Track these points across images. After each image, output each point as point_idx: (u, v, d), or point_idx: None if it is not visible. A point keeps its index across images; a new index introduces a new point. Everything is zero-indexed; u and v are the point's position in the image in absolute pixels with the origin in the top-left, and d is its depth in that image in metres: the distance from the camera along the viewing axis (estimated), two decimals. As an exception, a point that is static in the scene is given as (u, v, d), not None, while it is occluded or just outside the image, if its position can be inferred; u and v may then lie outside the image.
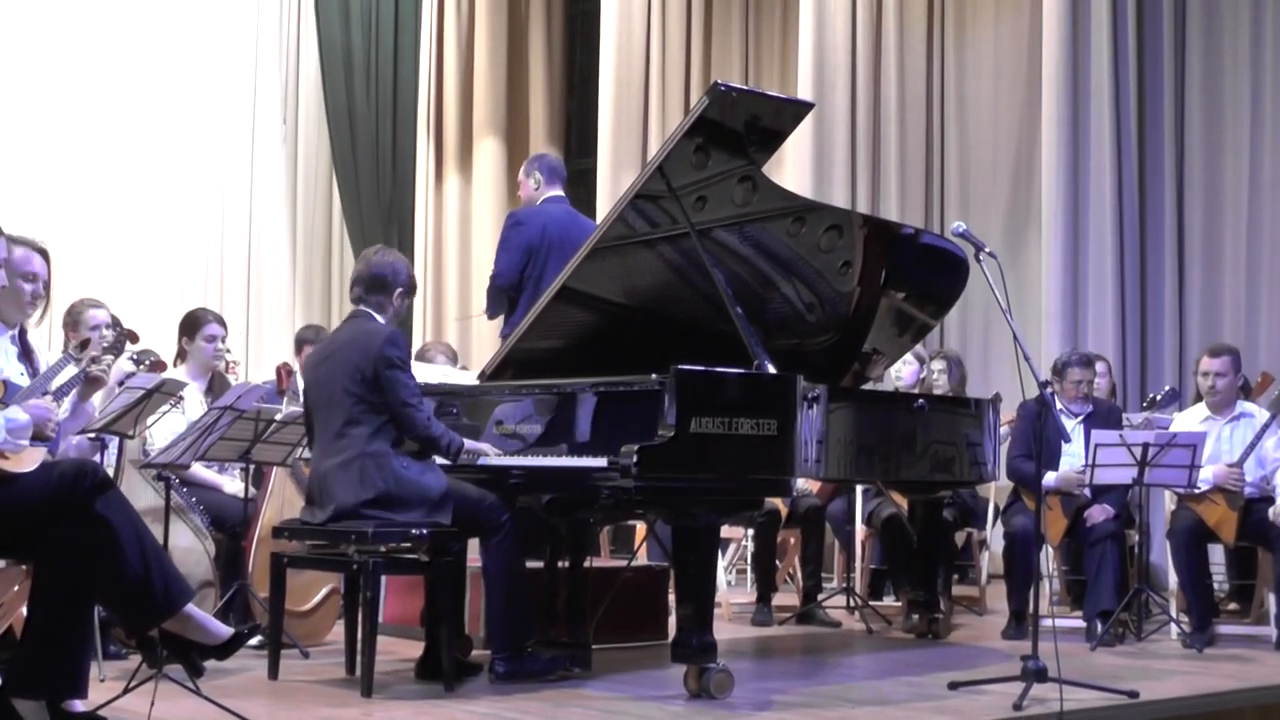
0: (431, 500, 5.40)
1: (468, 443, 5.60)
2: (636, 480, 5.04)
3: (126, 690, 4.59)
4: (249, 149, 13.54)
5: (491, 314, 7.85)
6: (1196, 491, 7.21)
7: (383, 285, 5.66)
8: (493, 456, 5.67)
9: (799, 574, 8.23)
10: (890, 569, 8.61)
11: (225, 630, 4.52)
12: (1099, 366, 8.40)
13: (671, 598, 5.76)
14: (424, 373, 6.31)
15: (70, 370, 4.85)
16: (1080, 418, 7.61)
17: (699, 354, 5.43)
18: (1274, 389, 7.78)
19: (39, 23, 12.35)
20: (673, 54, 12.82)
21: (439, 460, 5.61)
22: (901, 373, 8.35)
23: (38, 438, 4.49)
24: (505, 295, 7.55)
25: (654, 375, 5.26)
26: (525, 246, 7.44)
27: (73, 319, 6.40)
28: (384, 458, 5.40)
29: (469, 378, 6.84)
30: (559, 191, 7.74)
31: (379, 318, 5.63)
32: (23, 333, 4.92)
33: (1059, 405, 7.46)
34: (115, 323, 6.03)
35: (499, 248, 7.56)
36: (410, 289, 5.76)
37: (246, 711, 4.59)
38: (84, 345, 4.94)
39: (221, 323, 6.91)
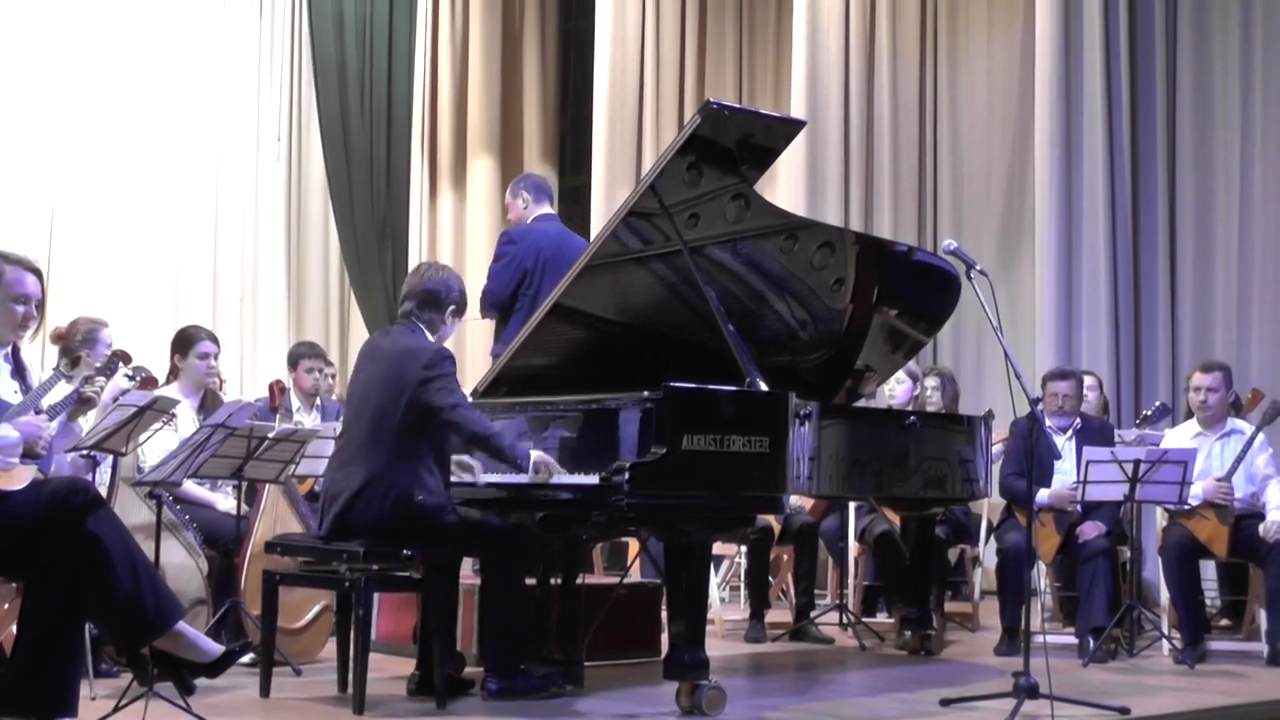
0: (435, 535, 5.39)
1: (534, 454, 5.45)
2: (629, 497, 5.04)
3: (117, 708, 4.59)
4: (243, 165, 13.58)
5: (484, 315, 7.86)
6: (1187, 508, 7.22)
7: (436, 302, 5.65)
8: (558, 473, 5.45)
9: (792, 591, 8.23)
10: (883, 586, 8.61)
11: (216, 648, 4.52)
12: (1088, 381, 8.41)
13: (664, 615, 5.76)
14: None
15: (62, 387, 4.84)
16: (1067, 433, 7.63)
17: (692, 371, 5.44)
18: (1264, 405, 7.79)
19: (34, 34, 12.38)
20: (667, 71, 12.84)
21: (506, 477, 5.57)
22: (895, 391, 8.35)
23: (28, 455, 4.49)
24: (495, 310, 7.57)
25: (646, 392, 5.27)
26: (519, 265, 7.45)
27: (85, 338, 6.35)
28: (395, 488, 5.38)
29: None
30: (549, 209, 7.75)
31: (429, 335, 5.61)
32: (15, 350, 4.92)
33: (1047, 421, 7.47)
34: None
35: (494, 265, 7.57)
36: (462, 307, 5.72)
37: (238, 729, 4.59)
38: (75, 363, 4.93)
39: (214, 340, 6.90)
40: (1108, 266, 9.80)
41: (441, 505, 5.44)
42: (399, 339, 5.61)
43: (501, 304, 7.49)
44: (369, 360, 5.65)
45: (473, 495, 5.73)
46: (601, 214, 12.28)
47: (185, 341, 6.83)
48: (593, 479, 5.26)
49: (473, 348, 12.76)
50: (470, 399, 6.31)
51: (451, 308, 5.67)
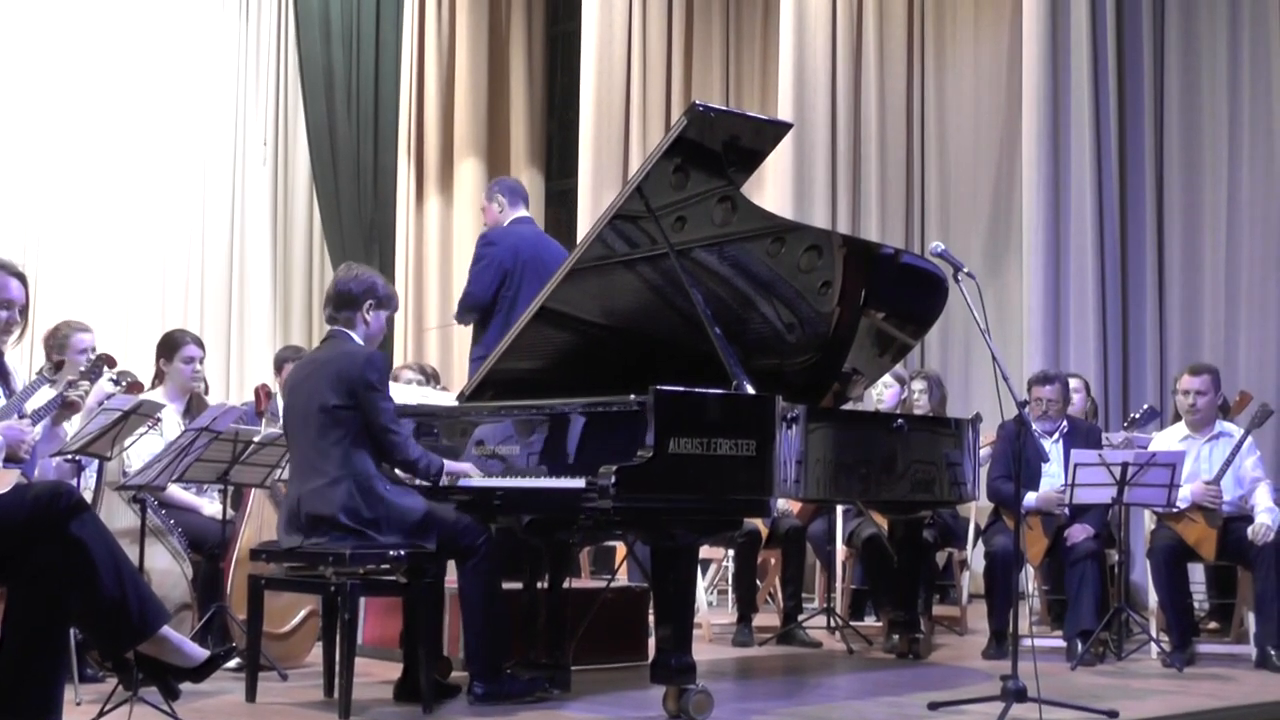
0: (414, 523, 5.39)
1: (448, 464, 5.60)
2: (615, 501, 5.03)
3: (102, 713, 4.58)
4: (229, 169, 13.55)
5: (463, 321, 7.86)
6: (1175, 510, 7.22)
7: (350, 301, 5.66)
8: (475, 477, 5.65)
9: (780, 594, 8.22)
10: (871, 589, 8.60)
11: (201, 652, 4.50)
12: (1074, 383, 8.41)
13: (651, 618, 5.75)
14: (400, 393, 6.29)
15: (45, 392, 4.82)
16: (1054, 436, 7.62)
17: (679, 374, 5.43)
18: (1252, 408, 7.79)
19: (20, 40, 12.35)
20: (653, 74, 12.84)
21: (419, 482, 5.62)
22: (883, 395, 8.35)
23: (11, 459, 4.46)
24: (475, 313, 7.56)
25: (633, 396, 5.26)
26: (498, 266, 7.45)
27: (59, 341, 6.36)
28: (366, 479, 5.39)
29: (448, 398, 6.83)
30: (524, 212, 7.76)
31: (354, 335, 5.63)
32: (-1, 355, 4.89)
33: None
34: (92, 348, 6.03)
35: (474, 268, 7.56)
36: (383, 302, 5.70)
37: (223, 734, 4.57)
38: (58, 367, 4.91)
39: (200, 344, 6.89)
40: (1095, 269, 9.81)
41: (405, 491, 5.49)
42: (332, 347, 5.64)
43: (482, 306, 7.49)
44: (305, 375, 5.66)
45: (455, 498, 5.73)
46: (588, 217, 12.27)
47: (170, 345, 6.82)
48: (579, 482, 5.24)
49: (460, 352, 12.75)
50: (457, 403, 6.33)
51: (369, 302, 5.65)
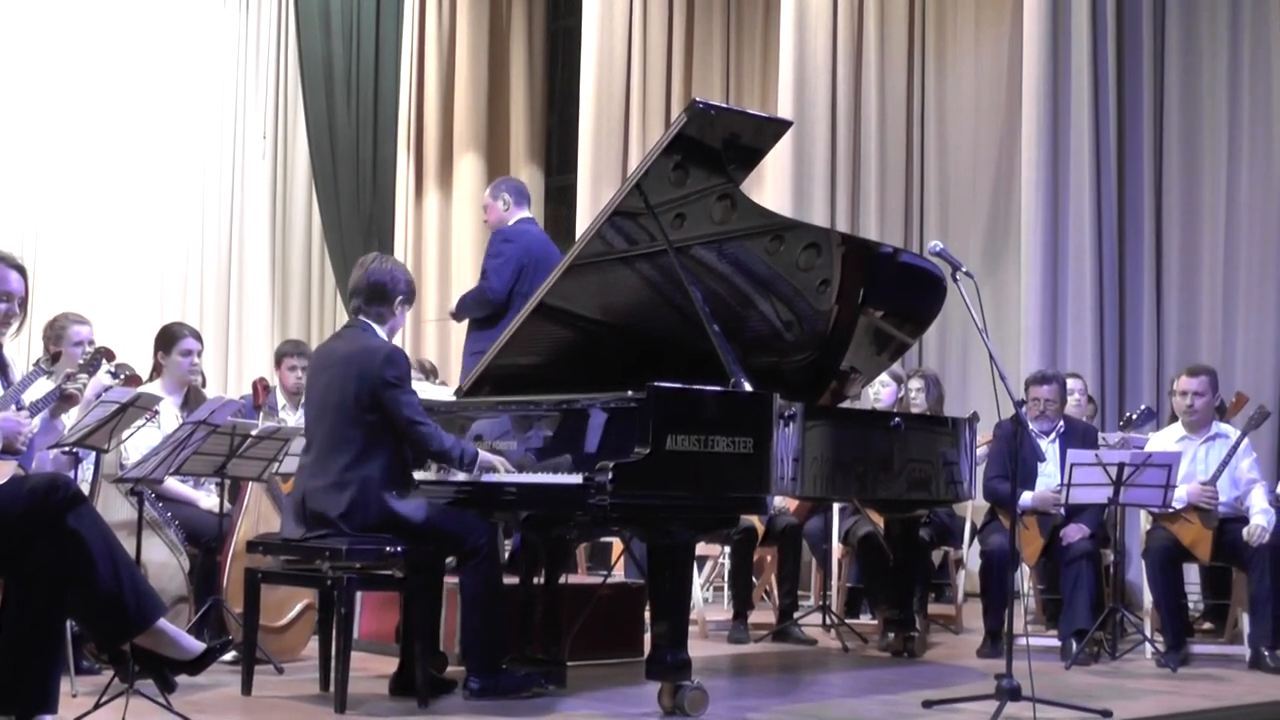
0: (415, 531, 5.38)
1: (481, 454, 5.56)
2: (612, 497, 5.03)
3: (98, 705, 4.57)
4: (229, 162, 13.56)
5: (461, 318, 7.87)
6: (1171, 511, 7.22)
7: (383, 295, 5.63)
8: (503, 472, 5.58)
9: (776, 591, 8.23)
10: (867, 587, 8.61)
11: (197, 645, 4.50)
12: (1073, 384, 8.41)
13: (647, 615, 5.75)
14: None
15: (43, 383, 4.82)
16: (1051, 436, 7.62)
17: (677, 371, 5.43)
18: (1248, 409, 7.80)
19: (21, 33, 12.35)
20: (653, 71, 12.84)
21: (458, 475, 5.62)
22: (880, 394, 8.35)
23: (7, 451, 4.47)
24: (491, 309, 7.58)
25: (630, 392, 5.26)
26: (517, 262, 7.50)
27: (55, 333, 6.36)
28: (370, 485, 5.38)
29: (446, 393, 6.83)
30: (528, 213, 7.80)
31: (379, 329, 5.61)
32: (-3, 346, 4.90)
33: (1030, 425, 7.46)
34: (89, 340, 6.03)
35: (493, 263, 7.60)
36: (409, 297, 5.70)
37: (219, 727, 4.57)
38: (55, 358, 4.91)
39: (197, 337, 6.88)
40: (1093, 269, 9.81)
41: (411, 501, 5.47)
42: (353, 340, 5.61)
43: (500, 302, 7.53)
44: (324, 365, 5.64)
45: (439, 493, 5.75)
46: (587, 213, 12.27)
47: (168, 338, 6.82)
48: (576, 478, 5.25)
49: (457, 346, 12.75)
50: (454, 398, 6.33)
51: (399, 298, 5.65)
